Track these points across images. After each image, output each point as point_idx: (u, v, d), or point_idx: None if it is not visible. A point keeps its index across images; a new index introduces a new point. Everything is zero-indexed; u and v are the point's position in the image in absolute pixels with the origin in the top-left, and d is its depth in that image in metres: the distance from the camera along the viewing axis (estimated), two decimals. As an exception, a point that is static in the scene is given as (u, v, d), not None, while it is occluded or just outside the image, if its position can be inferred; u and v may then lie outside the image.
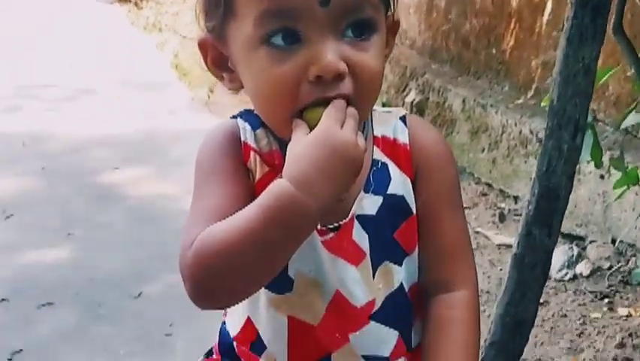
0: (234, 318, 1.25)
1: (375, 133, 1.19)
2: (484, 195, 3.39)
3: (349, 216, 1.15)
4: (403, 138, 1.19)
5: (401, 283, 1.19)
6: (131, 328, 2.47)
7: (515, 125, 3.33)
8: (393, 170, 1.17)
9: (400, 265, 1.18)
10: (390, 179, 1.16)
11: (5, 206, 3.36)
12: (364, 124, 1.18)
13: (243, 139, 1.15)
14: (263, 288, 1.15)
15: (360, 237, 1.15)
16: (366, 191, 1.15)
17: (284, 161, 1.07)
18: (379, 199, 1.15)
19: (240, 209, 0.99)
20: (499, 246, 2.92)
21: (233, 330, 1.25)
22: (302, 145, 1.00)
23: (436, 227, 1.18)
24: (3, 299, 2.63)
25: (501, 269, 2.70)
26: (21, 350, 2.36)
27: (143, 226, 3.14)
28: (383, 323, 1.18)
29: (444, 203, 1.19)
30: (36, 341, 2.40)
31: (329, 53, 1.01)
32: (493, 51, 3.70)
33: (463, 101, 3.71)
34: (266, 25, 1.02)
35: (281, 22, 1.02)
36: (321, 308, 1.16)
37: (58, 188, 3.58)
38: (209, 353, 1.31)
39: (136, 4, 8.24)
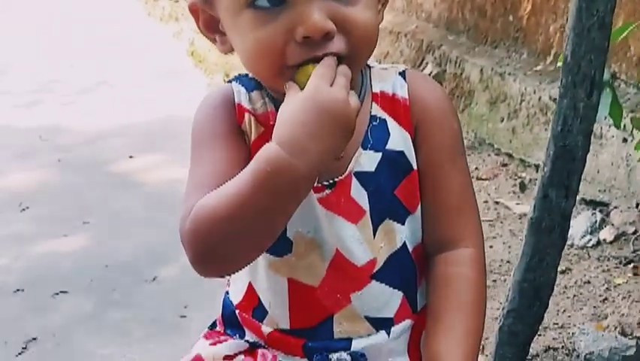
0: (236, 286, 1.24)
1: (374, 89, 1.16)
2: (505, 165, 3.32)
3: (346, 173, 1.12)
4: (402, 92, 1.16)
5: (404, 243, 1.16)
6: (145, 311, 2.44)
7: (534, 92, 3.25)
8: (392, 125, 1.15)
9: (403, 223, 1.16)
10: (389, 135, 1.14)
11: (22, 199, 3.35)
12: (362, 80, 1.16)
13: (236, 101, 1.14)
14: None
15: (359, 194, 1.12)
16: (364, 147, 1.13)
17: None
18: (378, 155, 1.13)
19: (237, 172, 0.99)
20: (520, 216, 2.85)
21: (236, 298, 1.24)
22: (290, 106, 0.98)
23: (437, 182, 1.15)
24: (18, 289, 2.62)
25: (522, 239, 2.62)
26: (35, 338, 2.33)
27: (158, 212, 3.10)
28: (385, 282, 1.16)
29: (445, 157, 1.16)
30: (50, 329, 2.38)
31: (315, 12, 0.99)
32: (510, 18, 3.61)
33: (481, 71, 3.63)
34: None
35: None
36: (321, 269, 1.14)
37: (73, 179, 3.56)
38: (213, 325, 1.29)
39: (152, -5, 8.23)
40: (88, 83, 5.18)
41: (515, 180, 3.18)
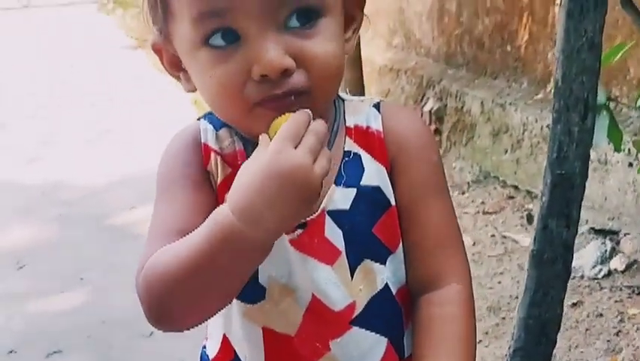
0: (212, 340, 1.16)
1: (348, 123, 1.09)
2: (511, 197, 3.23)
3: (318, 212, 1.04)
4: (376, 125, 1.09)
5: (386, 285, 1.08)
6: (143, 369, 2.35)
7: (536, 121, 3.17)
8: (367, 160, 1.08)
9: (383, 263, 1.08)
10: (363, 170, 1.07)
11: (19, 256, 3.29)
12: (335, 114, 1.10)
13: (203, 140, 1.07)
14: (235, 299, 1.06)
15: (333, 233, 1.05)
16: (337, 184, 1.06)
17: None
18: (352, 192, 1.06)
19: (199, 219, 0.94)
20: (527, 248, 2.74)
21: (212, 352, 1.16)
22: (249, 168, 0.92)
23: (416, 217, 1.08)
24: (11, 351, 2.54)
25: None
26: (26, 402, 2.26)
27: (157, 263, 3.02)
28: (367, 328, 1.08)
29: (424, 190, 1.09)
30: (44, 392, 2.29)
31: (270, 50, 0.94)
32: (508, 48, 3.55)
33: (482, 103, 3.56)
34: (202, 27, 0.96)
35: (217, 22, 0.95)
36: (297, 316, 1.06)
37: (72, 234, 3.51)
38: None
39: (157, 47, 8.25)
40: (90, 135, 5.17)
41: (522, 212, 3.10)
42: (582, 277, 2.50)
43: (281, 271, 1.05)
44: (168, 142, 1.13)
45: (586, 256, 2.54)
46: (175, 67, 1.06)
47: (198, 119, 1.12)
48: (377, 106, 1.11)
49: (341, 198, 1.05)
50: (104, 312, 2.70)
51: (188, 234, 0.95)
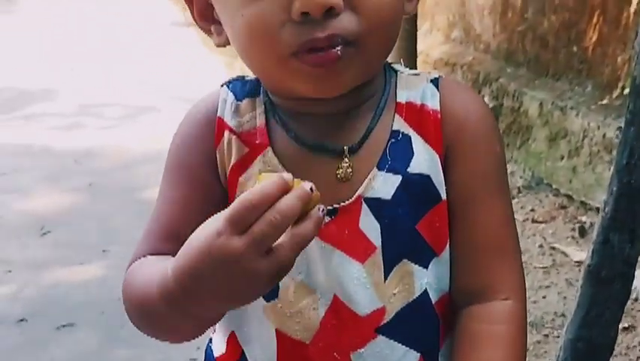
0: (219, 335, 1.02)
1: (399, 98, 0.95)
2: (563, 207, 3.04)
3: (353, 198, 0.90)
4: (433, 103, 0.94)
5: (425, 291, 0.93)
6: (153, 352, 2.22)
7: (598, 128, 2.97)
8: (418, 143, 0.93)
9: (426, 266, 0.93)
10: (412, 154, 0.92)
11: (44, 222, 3.21)
12: (384, 86, 0.94)
13: (219, 114, 0.96)
14: None
15: (370, 226, 0.91)
16: (381, 168, 0.91)
17: (269, 139, 0.93)
18: (397, 179, 0.91)
19: (194, 219, 0.84)
20: (578, 263, 2.57)
21: (218, 350, 1.02)
22: (198, 233, 0.78)
23: (471, 216, 0.93)
24: (21, 319, 2.44)
25: (578, 290, 2.35)
26: (30, 375, 2.14)
27: (183, 243, 2.90)
28: (396, 339, 0.93)
29: (483, 185, 0.93)
30: (48, 366, 2.18)
31: None
32: (574, 49, 3.35)
33: (540, 104, 3.37)
34: None
35: None
36: (314, 321, 0.92)
37: (101, 204, 3.41)
38: None
39: (210, 26, 8.19)
40: (133, 109, 5.08)
41: (574, 223, 2.91)
42: (636, 299, 2.31)
43: (297, 266, 0.87)
44: (187, 111, 1.01)
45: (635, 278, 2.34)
46: (206, 18, 0.94)
47: (223, 85, 1.00)
48: (436, 82, 0.95)
49: (383, 185, 0.91)
50: (120, 289, 2.57)
51: (179, 237, 0.85)
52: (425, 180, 0.91)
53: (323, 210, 0.76)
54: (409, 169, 0.91)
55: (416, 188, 0.91)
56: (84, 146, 4.28)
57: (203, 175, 0.95)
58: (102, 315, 2.43)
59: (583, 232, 2.83)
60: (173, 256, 0.87)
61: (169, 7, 8.75)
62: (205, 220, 0.86)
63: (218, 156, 0.95)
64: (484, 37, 4.10)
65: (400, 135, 0.92)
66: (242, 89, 0.97)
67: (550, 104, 3.30)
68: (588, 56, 3.26)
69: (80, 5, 9.19)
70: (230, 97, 0.97)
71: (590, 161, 3.00)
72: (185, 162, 0.97)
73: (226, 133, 0.94)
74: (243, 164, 0.93)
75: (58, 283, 2.65)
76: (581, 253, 2.62)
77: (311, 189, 0.75)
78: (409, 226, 0.91)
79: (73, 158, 4.04)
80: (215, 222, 0.75)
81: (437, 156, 0.92)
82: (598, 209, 2.88)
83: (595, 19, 3.22)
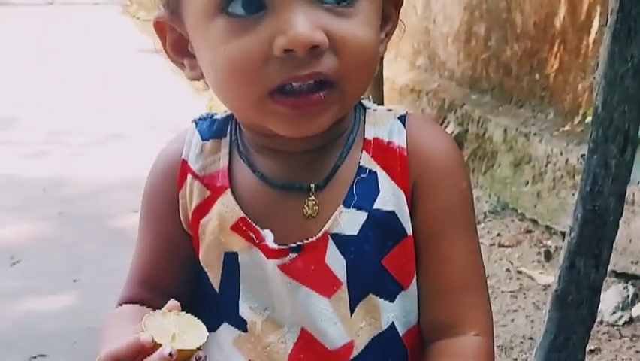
0: None
1: (367, 135, 0.96)
2: (529, 232, 3.09)
3: (320, 234, 0.92)
4: (399, 140, 0.95)
5: (392, 324, 0.95)
6: (127, 382, 2.20)
7: (561, 154, 3.03)
8: (384, 180, 0.94)
9: (392, 300, 0.94)
10: (378, 191, 0.94)
11: (14, 252, 3.17)
12: (353, 123, 0.96)
13: (183, 156, 0.98)
14: (226, 324, 0.97)
15: (336, 261, 0.92)
16: (347, 205, 0.92)
17: (230, 181, 0.95)
18: (363, 215, 0.93)
19: (161, 266, 0.98)
20: (544, 286, 2.61)
21: None
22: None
23: (438, 252, 0.94)
24: (-8, 351, 2.41)
25: (545, 313, 2.38)
26: (1, 408, 2.12)
27: (155, 271, 2.90)
28: None
29: (449, 221, 0.94)
30: (21, 397, 2.16)
31: (300, 20, 0.81)
32: (537, 77, 3.42)
33: (505, 131, 3.43)
34: None
35: None
36: (282, 355, 0.93)
37: (71, 233, 3.39)
38: None
39: (177, 52, 8.19)
40: (99, 136, 5.06)
41: (540, 248, 2.96)
42: (601, 322, 2.36)
43: (263, 302, 0.94)
44: (161, 150, 1.04)
45: (606, 300, 2.39)
46: (179, 51, 0.94)
47: (192, 121, 1.02)
48: (403, 119, 0.97)
49: (349, 221, 0.92)
50: (92, 318, 2.55)
51: (152, 285, 0.99)
52: (390, 216, 0.93)
53: (202, 359, 0.83)
54: (374, 206, 0.93)
55: (382, 224, 0.93)
56: (52, 174, 4.24)
57: (168, 225, 0.98)
58: (74, 345, 2.42)
59: (548, 255, 2.88)
60: (151, 303, 0.97)
61: (137, 34, 8.73)
62: (173, 268, 0.99)
63: (180, 200, 0.97)
64: (448, 64, 4.17)
65: (367, 172, 0.94)
66: (209, 129, 0.99)
67: (514, 131, 3.37)
68: (550, 83, 3.33)
69: (45, 31, 9.15)
70: (197, 137, 0.99)
71: (554, 186, 3.06)
72: (151, 210, 1.01)
73: (189, 177, 0.97)
74: (204, 207, 0.96)
75: (29, 314, 2.63)
76: (547, 277, 2.67)
77: (170, 354, 0.80)
78: (374, 261, 0.93)
79: (42, 186, 4.01)
80: None
81: (402, 192, 0.94)
82: (562, 233, 2.95)
83: (556, 48, 3.30)
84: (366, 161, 0.94)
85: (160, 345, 0.81)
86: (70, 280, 2.88)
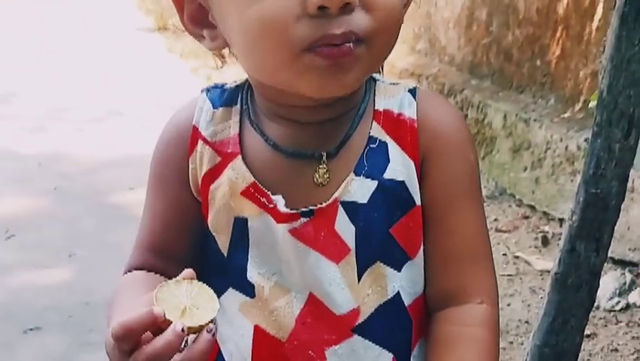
0: None
1: (377, 106, 0.97)
2: (526, 217, 3.09)
3: (330, 200, 0.93)
4: (410, 112, 0.96)
5: (397, 293, 0.96)
6: (122, 356, 2.20)
7: (561, 140, 3.03)
8: (394, 150, 0.95)
9: (399, 270, 0.95)
10: (388, 161, 0.95)
11: (8, 226, 3.16)
12: (363, 94, 0.97)
13: (194, 122, 0.98)
14: (232, 289, 0.97)
15: (345, 228, 0.93)
16: (357, 173, 0.94)
17: (241, 147, 0.95)
18: (373, 184, 0.94)
19: (170, 232, 0.98)
20: (541, 272, 2.62)
21: None
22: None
23: (445, 222, 0.95)
24: (-12, 323, 2.40)
25: (542, 297, 2.39)
26: (-4, 378, 2.12)
27: (151, 248, 2.89)
28: (371, 339, 0.95)
29: (457, 192, 0.96)
30: (16, 370, 2.16)
31: None
32: (538, 63, 3.41)
33: (504, 116, 3.42)
34: None
35: None
36: (289, 319, 0.94)
37: (67, 208, 3.38)
38: None
39: (175, 32, 8.17)
40: (97, 113, 5.03)
41: (537, 233, 2.96)
42: (597, 307, 2.36)
43: (271, 267, 0.94)
44: (169, 117, 1.04)
45: (603, 286, 2.38)
46: (198, 22, 0.93)
47: (202, 91, 1.02)
48: (413, 92, 0.98)
49: (359, 189, 0.93)
50: (88, 293, 2.57)
51: (161, 250, 0.99)
52: (400, 186, 0.94)
53: (213, 331, 0.82)
54: (384, 175, 0.94)
55: (391, 193, 0.94)
56: (48, 149, 4.23)
57: (178, 190, 0.99)
58: (70, 319, 2.42)
59: (545, 241, 2.88)
60: (160, 269, 0.98)
61: (134, 13, 8.70)
62: (182, 234, 0.99)
63: (190, 165, 0.98)
64: (449, 49, 4.16)
65: (377, 142, 0.95)
66: (220, 97, 0.99)
67: (514, 116, 3.36)
68: (551, 69, 3.33)
69: (44, 9, 9.10)
70: (208, 105, 0.99)
71: (553, 172, 3.06)
72: (161, 176, 1.01)
73: (199, 143, 0.97)
74: (214, 173, 0.96)
75: (24, 287, 2.62)
76: (544, 262, 2.68)
77: (182, 330, 0.80)
78: (383, 230, 0.94)
79: (38, 161, 4.00)
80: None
81: (413, 163, 0.94)
82: (560, 219, 2.95)
83: (558, 34, 3.29)
84: (377, 131, 0.95)
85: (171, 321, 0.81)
86: (65, 255, 2.87)
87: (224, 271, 0.97)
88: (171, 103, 5.42)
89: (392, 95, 0.98)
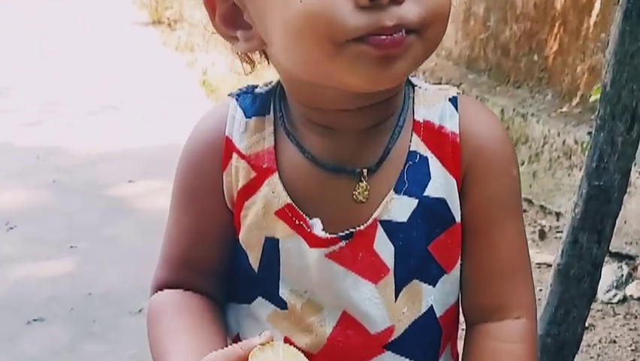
0: None
1: (416, 116, 0.93)
2: (524, 211, 3.04)
3: (370, 222, 0.90)
4: (452, 125, 0.92)
5: (431, 307, 0.94)
6: (126, 347, 2.22)
7: (558, 135, 3.05)
8: (435, 166, 0.92)
9: (434, 285, 0.93)
10: (429, 177, 0.91)
11: (9, 218, 3.16)
12: (403, 102, 0.92)
13: (227, 133, 0.93)
14: (262, 299, 0.95)
15: (384, 247, 0.90)
16: (398, 191, 0.90)
17: (276, 162, 0.91)
18: (413, 202, 0.91)
19: (204, 247, 0.95)
20: (539, 265, 2.63)
21: None
22: None
23: (488, 239, 0.93)
24: (-9, 314, 2.41)
25: (540, 290, 2.40)
26: (1, 369, 2.13)
27: (152, 240, 2.85)
28: (402, 354, 0.94)
29: (501, 209, 0.93)
30: (20, 360, 2.16)
31: None
32: (535, 58, 3.43)
33: (502, 111, 3.44)
34: None
35: None
36: (322, 335, 0.92)
37: (67, 200, 3.38)
38: None
39: (169, 25, 8.16)
40: (94, 107, 5.03)
41: (534, 227, 2.97)
42: (596, 300, 2.38)
43: (303, 285, 0.92)
44: (195, 125, 0.98)
45: (601, 279, 2.41)
46: (231, 23, 0.88)
47: (232, 96, 0.96)
48: (454, 101, 0.94)
49: (399, 208, 0.90)
50: (90, 284, 2.58)
51: (193, 266, 0.95)
52: (440, 203, 0.91)
53: None
54: (425, 193, 0.90)
55: (431, 211, 0.91)
56: (46, 143, 4.23)
57: (212, 203, 0.94)
58: (72, 311, 2.43)
59: (542, 235, 2.90)
60: (189, 283, 0.97)
61: (129, 7, 8.69)
62: (215, 246, 0.95)
63: (225, 179, 0.93)
64: (446, 43, 4.17)
65: (418, 157, 0.91)
66: (252, 105, 0.94)
67: (511, 111, 3.38)
68: (549, 64, 3.35)
69: (41, 5, 9.07)
70: (239, 114, 0.94)
71: (550, 166, 3.09)
72: (191, 189, 0.96)
73: (234, 156, 0.92)
74: (250, 189, 0.92)
75: (27, 278, 2.63)
76: (542, 255, 2.69)
77: None
78: (421, 248, 0.91)
79: (36, 154, 4.00)
80: None
81: (454, 179, 0.91)
82: (557, 213, 2.98)
83: (556, 30, 3.31)
84: (417, 144, 0.91)
85: None
86: (67, 247, 2.88)
87: (254, 283, 0.95)
88: (167, 96, 5.45)
89: (432, 103, 0.94)
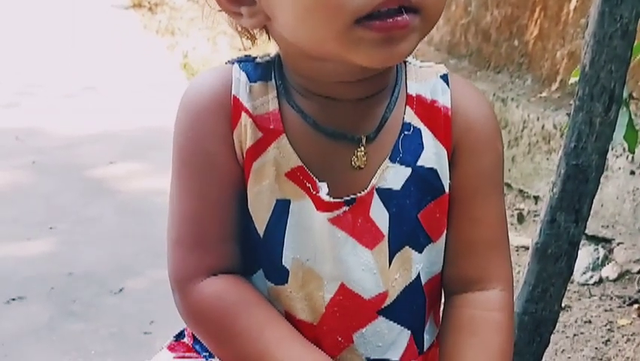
0: None
1: (409, 90, 0.97)
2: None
3: (368, 189, 0.93)
4: (444, 100, 0.97)
5: (418, 275, 0.98)
6: (106, 325, 2.22)
7: (537, 119, 3.08)
8: (428, 137, 0.96)
9: (421, 251, 0.97)
10: (422, 148, 0.96)
11: (-13, 199, 3.14)
12: (396, 77, 0.96)
13: (234, 93, 0.93)
14: (261, 271, 0.96)
15: (380, 214, 0.95)
16: (393, 160, 0.95)
17: (282, 125, 0.93)
18: (407, 171, 0.95)
19: (225, 208, 0.93)
20: (517, 248, 2.66)
21: None
22: None
23: (471, 211, 0.98)
24: (-31, 293, 2.40)
25: (519, 272, 2.44)
26: (-19, 347, 2.12)
27: (132, 221, 2.90)
28: (394, 319, 0.98)
29: (485, 183, 0.98)
30: (0, 338, 2.16)
31: None
32: (515, 43, 3.45)
33: (482, 96, 3.45)
34: None
35: None
36: (320, 304, 0.96)
37: (46, 182, 3.36)
38: (180, 335, 1.10)
39: (150, 9, 8.14)
40: (73, 89, 5.01)
41: (513, 211, 3.00)
42: (572, 281, 2.41)
43: (305, 253, 0.94)
44: (189, 87, 0.97)
45: (577, 261, 2.43)
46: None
47: (228, 62, 0.97)
48: (445, 78, 0.99)
49: (394, 176, 0.94)
50: (71, 264, 2.57)
51: (226, 234, 0.94)
52: (432, 173, 0.96)
53: None
54: (418, 163, 0.95)
55: (423, 180, 0.95)
56: (24, 124, 4.20)
57: (228, 165, 0.93)
58: (52, 290, 2.42)
59: (521, 218, 2.93)
60: (233, 259, 0.97)
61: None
62: (238, 208, 0.94)
63: (235, 137, 0.93)
64: (427, 29, 4.18)
65: (412, 129, 0.95)
66: (254, 71, 0.95)
67: (491, 96, 3.40)
68: (529, 50, 3.37)
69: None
70: (243, 77, 0.95)
71: (529, 151, 3.11)
72: (202, 149, 0.94)
73: (243, 116, 0.93)
74: (257, 149, 0.93)
75: (5, 258, 2.62)
76: (520, 238, 2.72)
77: None
78: (412, 215, 0.95)
79: (15, 135, 3.98)
80: None
81: (445, 151, 0.96)
82: (535, 197, 3.01)
83: (536, 15, 3.33)
84: (411, 117, 0.96)
85: None
86: (46, 228, 2.87)
87: (257, 251, 0.96)
88: (147, 79, 5.43)
89: (423, 79, 0.98)
